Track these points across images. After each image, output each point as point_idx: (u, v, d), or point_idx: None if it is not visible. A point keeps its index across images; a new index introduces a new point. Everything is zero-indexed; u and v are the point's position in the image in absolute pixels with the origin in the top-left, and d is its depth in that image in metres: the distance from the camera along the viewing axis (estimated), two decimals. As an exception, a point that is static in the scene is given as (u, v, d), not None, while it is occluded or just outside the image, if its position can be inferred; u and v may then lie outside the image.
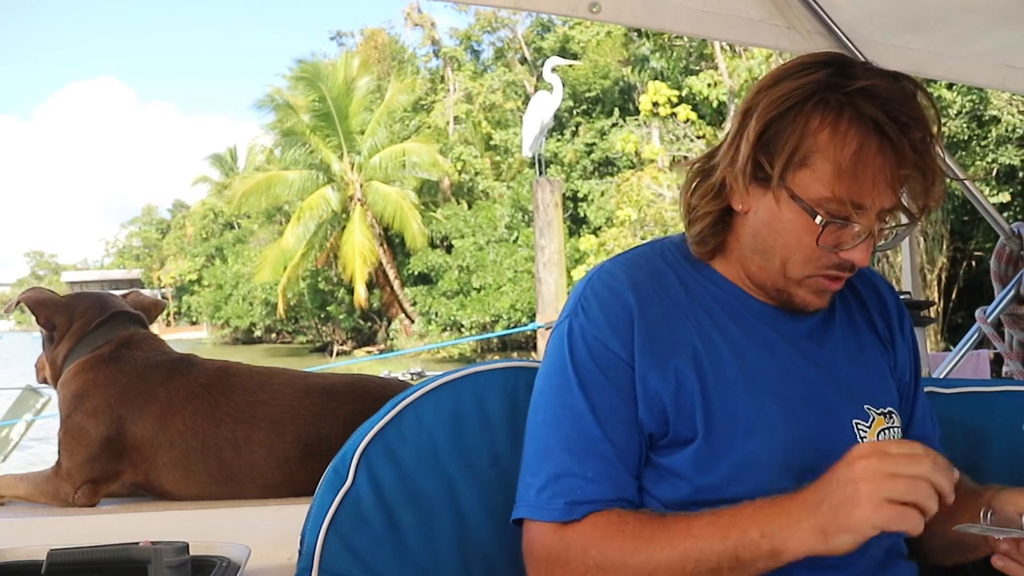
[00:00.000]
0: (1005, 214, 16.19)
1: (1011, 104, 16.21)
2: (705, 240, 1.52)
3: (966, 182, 2.98)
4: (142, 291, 2.55)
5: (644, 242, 1.61)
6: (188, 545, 1.40)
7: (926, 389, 1.75)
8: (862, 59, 2.69)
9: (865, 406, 1.51)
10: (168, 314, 71.94)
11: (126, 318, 2.31)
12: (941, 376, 2.98)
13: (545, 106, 16.70)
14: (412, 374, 4.32)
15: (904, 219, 1.48)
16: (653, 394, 1.42)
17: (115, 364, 2.20)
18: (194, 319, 59.42)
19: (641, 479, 1.46)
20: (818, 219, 1.37)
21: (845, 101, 1.34)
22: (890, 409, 1.53)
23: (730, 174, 1.44)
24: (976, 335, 3.05)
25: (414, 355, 23.21)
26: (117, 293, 2.43)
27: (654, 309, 1.46)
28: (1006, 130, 16.69)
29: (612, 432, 1.41)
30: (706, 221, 1.51)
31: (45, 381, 2.40)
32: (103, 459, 2.12)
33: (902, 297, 2.82)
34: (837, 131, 1.34)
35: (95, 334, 2.25)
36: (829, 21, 2.63)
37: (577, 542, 1.37)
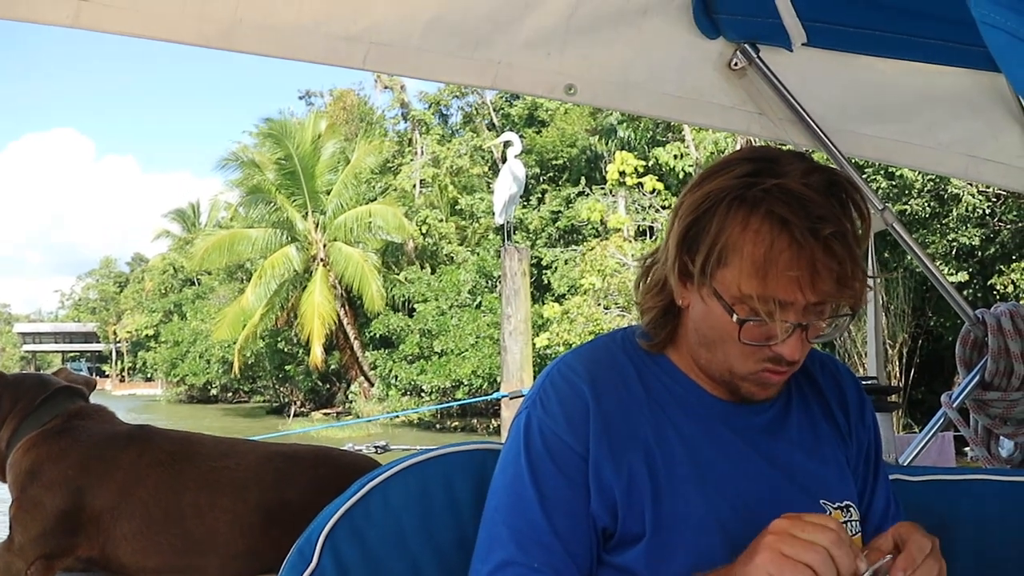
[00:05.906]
0: (964, 292, 16.46)
1: (971, 184, 16.55)
2: (656, 332, 1.55)
3: (931, 267, 3.01)
4: (71, 371, 2.54)
5: (608, 332, 1.64)
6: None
7: (892, 477, 1.76)
8: (832, 147, 2.75)
9: (821, 501, 1.51)
10: (122, 370, 71.06)
11: (70, 392, 2.30)
12: (906, 461, 2.99)
13: (517, 174, 16.74)
14: (376, 447, 4.25)
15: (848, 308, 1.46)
16: (607, 487, 1.43)
17: (68, 436, 2.18)
18: (149, 375, 58.71)
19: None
20: (735, 317, 1.38)
21: (761, 198, 1.34)
22: (847, 503, 1.54)
23: (666, 272, 1.48)
24: (942, 420, 3.07)
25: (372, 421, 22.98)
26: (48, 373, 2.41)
27: (611, 404, 1.47)
28: (966, 209, 17.01)
29: (559, 523, 1.42)
30: (652, 315, 1.54)
31: None
32: (58, 533, 2.08)
33: (867, 383, 2.85)
34: (748, 229, 1.35)
35: (40, 411, 2.23)
36: (800, 109, 2.66)
37: None
